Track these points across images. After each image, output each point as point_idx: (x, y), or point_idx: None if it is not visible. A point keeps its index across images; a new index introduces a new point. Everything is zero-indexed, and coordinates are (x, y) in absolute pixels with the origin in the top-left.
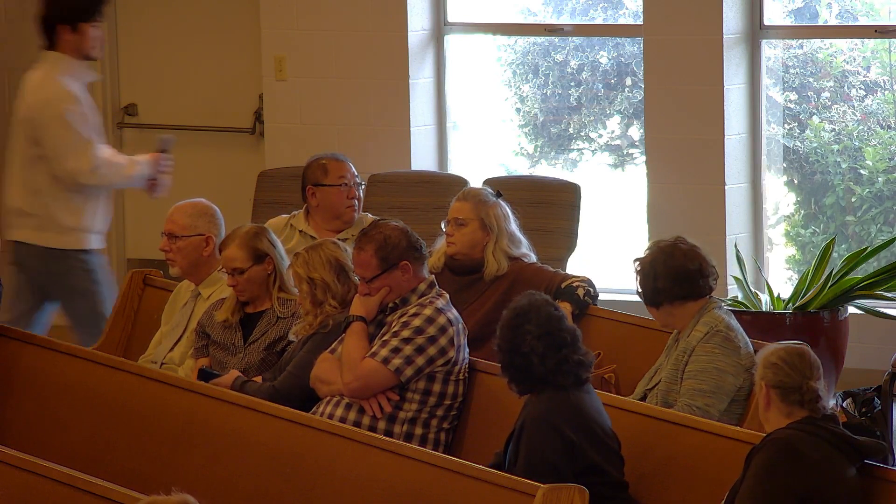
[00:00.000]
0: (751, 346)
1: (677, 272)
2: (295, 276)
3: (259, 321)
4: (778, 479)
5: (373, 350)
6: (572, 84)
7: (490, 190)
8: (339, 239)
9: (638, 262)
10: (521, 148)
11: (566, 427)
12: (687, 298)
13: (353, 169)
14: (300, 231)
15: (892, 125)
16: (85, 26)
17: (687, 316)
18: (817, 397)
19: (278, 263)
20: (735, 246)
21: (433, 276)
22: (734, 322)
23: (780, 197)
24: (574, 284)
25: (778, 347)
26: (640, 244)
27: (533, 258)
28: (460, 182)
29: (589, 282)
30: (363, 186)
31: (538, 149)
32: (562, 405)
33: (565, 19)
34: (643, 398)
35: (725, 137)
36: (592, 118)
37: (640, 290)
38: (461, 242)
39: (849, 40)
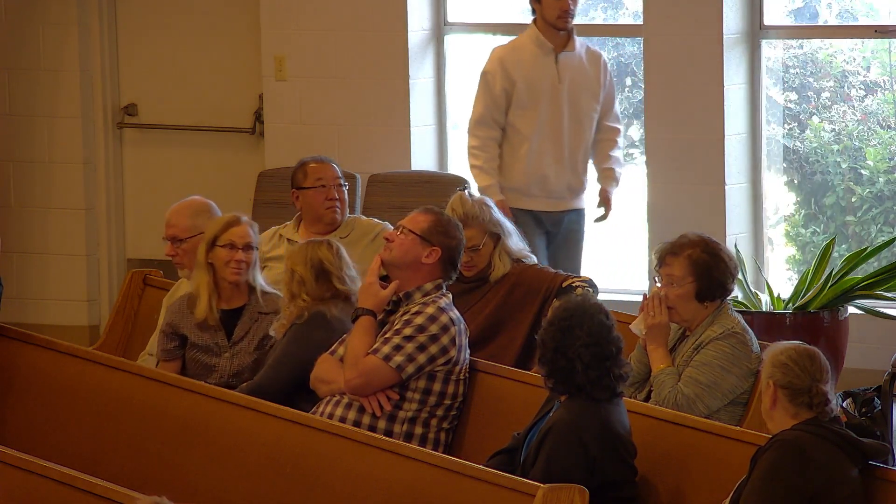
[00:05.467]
0: (759, 349)
1: (734, 271)
2: (285, 264)
3: (240, 318)
4: (785, 481)
5: (374, 347)
6: None
7: (465, 194)
8: None
9: (674, 254)
10: None
11: (592, 442)
12: (723, 297)
13: (338, 170)
14: (288, 239)
15: (892, 125)
16: None
17: (704, 315)
18: (826, 400)
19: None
20: (735, 246)
21: (441, 280)
22: (746, 325)
23: (780, 197)
24: (574, 284)
25: (787, 346)
26: (640, 244)
27: (533, 259)
28: (460, 182)
29: (589, 281)
30: (346, 188)
31: None
32: (592, 419)
33: None
34: (647, 396)
35: (725, 137)
36: None
37: (694, 282)
38: (481, 262)
39: (849, 40)
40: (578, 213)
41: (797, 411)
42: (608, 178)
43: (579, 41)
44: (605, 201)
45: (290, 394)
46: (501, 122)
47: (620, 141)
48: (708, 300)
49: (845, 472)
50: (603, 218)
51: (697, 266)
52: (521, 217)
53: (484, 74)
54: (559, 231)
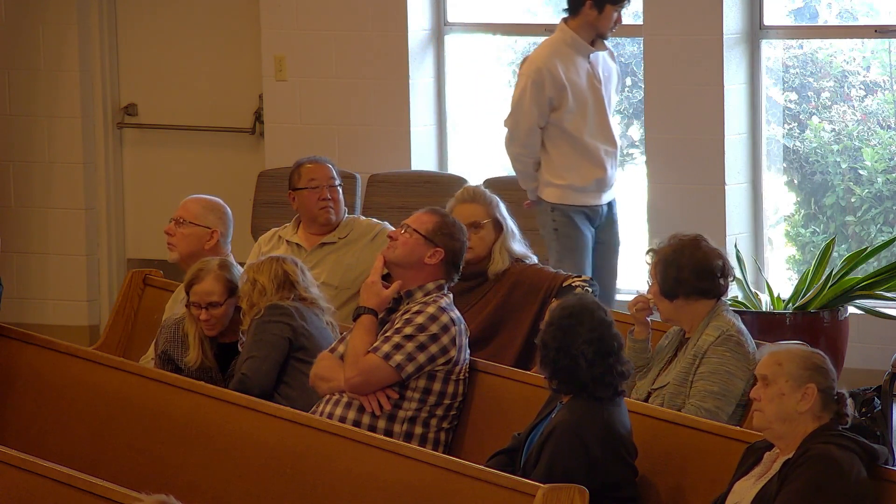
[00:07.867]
0: (755, 348)
1: (702, 266)
2: (244, 272)
3: (235, 353)
4: (827, 500)
5: (374, 345)
6: None
7: (482, 188)
8: (325, 242)
9: (654, 253)
10: None
11: (594, 443)
12: (704, 295)
13: (332, 171)
14: (287, 241)
15: (892, 125)
16: None
17: (697, 315)
18: (845, 402)
19: None
20: (735, 246)
21: (443, 281)
22: (742, 325)
23: (780, 197)
24: (574, 283)
25: (812, 351)
26: (640, 244)
27: (533, 259)
28: (460, 182)
29: (590, 281)
30: (341, 188)
31: None
32: (595, 419)
33: None
34: (646, 398)
35: (725, 137)
36: None
37: (656, 279)
38: (479, 246)
39: (849, 40)
40: (614, 201)
41: (822, 414)
42: None
43: None
44: None
45: (276, 383)
46: (543, 124)
47: None
48: (673, 297)
49: (868, 482)
50: None
51: (657, 264)
52: (574, 214)
53: (532, 84)
54: (603, 221)
